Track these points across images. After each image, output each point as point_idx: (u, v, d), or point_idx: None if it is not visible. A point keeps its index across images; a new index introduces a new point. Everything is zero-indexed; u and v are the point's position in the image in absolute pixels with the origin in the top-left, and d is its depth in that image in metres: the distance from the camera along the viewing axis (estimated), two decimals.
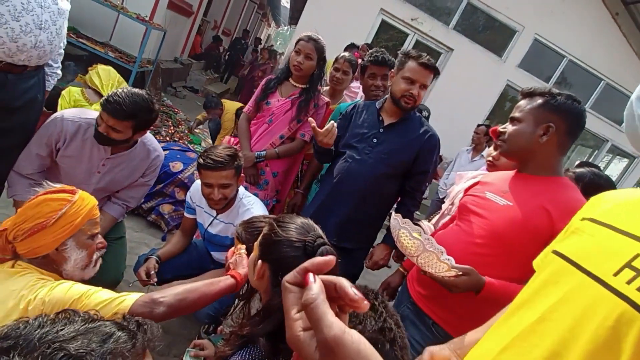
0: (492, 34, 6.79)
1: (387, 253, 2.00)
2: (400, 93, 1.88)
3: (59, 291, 1.05)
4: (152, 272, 1.86)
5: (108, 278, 2.07)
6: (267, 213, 2.02)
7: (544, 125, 1.30)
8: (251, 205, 1.96)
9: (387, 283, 1.83)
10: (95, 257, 1.25)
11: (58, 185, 1.20)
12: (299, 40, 2.30)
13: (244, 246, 1.47)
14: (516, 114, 1.37)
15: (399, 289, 1.69)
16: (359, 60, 2.74)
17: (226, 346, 1.19)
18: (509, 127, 1.39)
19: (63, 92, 2.85)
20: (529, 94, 1.37)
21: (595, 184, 1.62)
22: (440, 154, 2.20)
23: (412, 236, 1.28)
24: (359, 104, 2.11)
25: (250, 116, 2.45)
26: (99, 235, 1.27)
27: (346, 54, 2.72)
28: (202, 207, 2.00)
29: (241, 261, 1.41)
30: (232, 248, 1.51)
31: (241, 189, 2.02)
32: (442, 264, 1.24)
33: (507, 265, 1.29)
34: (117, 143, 1.82)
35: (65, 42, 1.97)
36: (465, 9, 6.50)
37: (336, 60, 2.66)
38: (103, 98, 1.74)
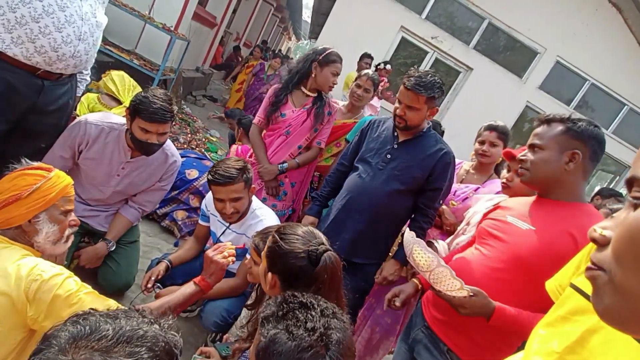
0: (512, 55, 6.76)
1: (398, 269, 1.97)
2: (393, 112, 1.92)
3: (54, 282, 1.09)
4: (153, 277, 1.87)
5: (120, 281, 2.10)
6: (279, 223, 2.02)
7: (569, 153, 1.27)
8: (264, 216, 1.97)
9: (399, 290, 1.74)
10: (67, 233, 1.30)
11: (35, 164, 1.26)
12: (333, 61, 2.33)
13: (232, 250, 1.52)
14: (536, 141, 1.33)
15: (413, 311, 1.65)
16: (383, 80, 2.76)
17: (243, 344, 1.23)
18: (530, 155, 1.35)
19: (82, 98, 2.91)
20: (548, 121, 1.33)
21: None
22: None
23: (428, 251, 1.26)
24: (376, 120, 2.12)
25: (262, 127, 2.44)
26: (72, 214, 1.32)
27: (369, 71, 2.75)
28: (216, 216, 2.01)
29: (217, 268, 1.46)
30: (221, 246, 1.53)
31: (255, 199, 2.03)
32: (455, 281, 1.21)
33: (529, 291, 1.25)
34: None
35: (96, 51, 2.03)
36: (486, 29, 6.50)
37: (359, 76, 2.68)
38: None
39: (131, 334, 0.66)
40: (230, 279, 1.96)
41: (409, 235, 1.36)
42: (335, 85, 2.38)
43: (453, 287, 1.22)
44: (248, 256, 1.89)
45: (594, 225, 0.59)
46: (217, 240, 2.06)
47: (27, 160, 1.26)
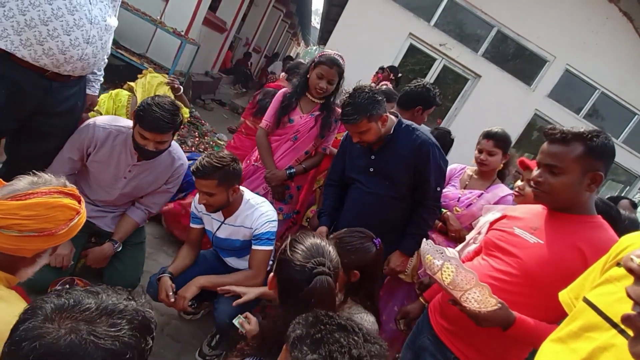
0: (521, 63, 6.72)
1: (404, 260, 1.99)
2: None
3: None
4: (170, 292, 1.85)
5: (126, 281, 2.11)
6: (275, 212, 2.01)
7: (591, 174, 1.20)
8: (259, 204, 1.97)
9: (406, 312, 1.76)
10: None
11: (69, 186, 1.09)
12: (320, 62, 2.20)
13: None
14: (556, 162, 1.23)
15: (419, 318, 1.64)
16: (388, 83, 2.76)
17: (245, 347, 1.23)
18: (548, 178, 1.25)
19: (112, 92, 2.72)
20: (564, 139, 1.22)
21: (605, 214, 1.44)
22: None
23: (464, 269, 1.18)
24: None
25: (269, 131, 2.39)
26: None
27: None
28: (209, 214, 2.00)
29: None
30: None
31: (247, 192, 2.03)
32: (491, 299, 1.16)
33: (537, 305, 1.23)
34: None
35: (109, 53, 2.06)
36: (495, 36, 6.48)
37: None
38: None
39: (113, 308, 0.71)
40: (249, 270, 1.95)
41: (434, 250, 1.27)
42: (323, 90, 2.22)
43: (487, 304, 1.17)
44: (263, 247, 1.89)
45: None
46: (214, 237, 2.05)
47: (58, 177, 1.08)
